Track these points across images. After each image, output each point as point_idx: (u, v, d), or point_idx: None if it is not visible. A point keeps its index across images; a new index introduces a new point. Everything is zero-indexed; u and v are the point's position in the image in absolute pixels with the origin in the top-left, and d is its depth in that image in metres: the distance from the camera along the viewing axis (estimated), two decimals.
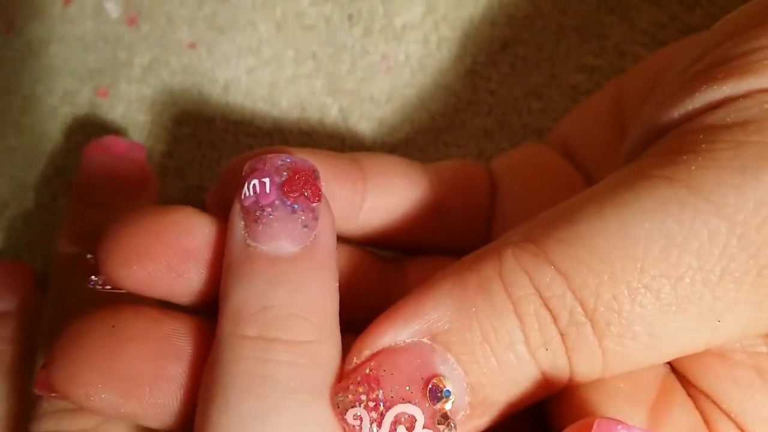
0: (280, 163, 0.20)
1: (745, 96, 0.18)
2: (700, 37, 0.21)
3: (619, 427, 0.17)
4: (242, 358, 0.18)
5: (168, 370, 0.20)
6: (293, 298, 0.19)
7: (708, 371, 0.20)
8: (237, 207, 0.20)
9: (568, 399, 0.20)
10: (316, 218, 0.20)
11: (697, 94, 0.19)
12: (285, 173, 0.20)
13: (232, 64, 0.33)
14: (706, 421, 0.20)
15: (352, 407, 0.18)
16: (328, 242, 0.20)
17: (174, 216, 0.21)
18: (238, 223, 0.20)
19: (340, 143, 0.33)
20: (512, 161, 0.27)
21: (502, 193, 0.26)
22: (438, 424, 0.18)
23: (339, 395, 0.19)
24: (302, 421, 0.18)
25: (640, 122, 0.21)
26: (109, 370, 0.20)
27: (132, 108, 0.33)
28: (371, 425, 0.18)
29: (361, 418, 0.18)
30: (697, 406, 0.20)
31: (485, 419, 0.19)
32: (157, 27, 0.33)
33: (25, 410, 0.28)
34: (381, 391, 0.18)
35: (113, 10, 0.33)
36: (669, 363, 0.21)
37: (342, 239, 0.25)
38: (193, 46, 0.33)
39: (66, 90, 0.33)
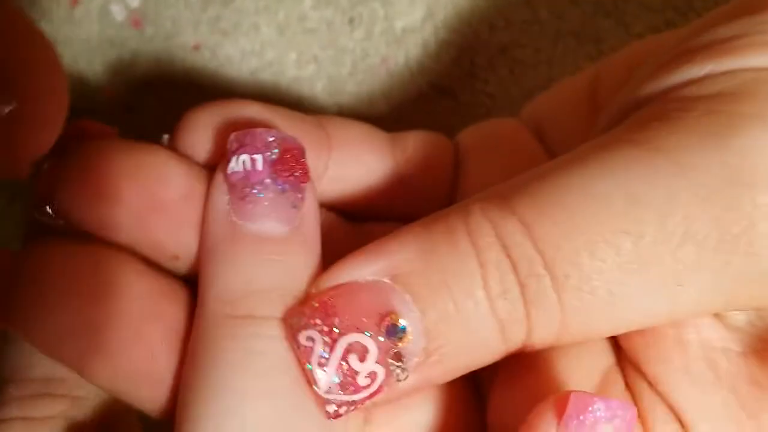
0: (270, 139, 0.20)
1: (725, 73, 0.18)
2: (681, 30, 0.22)
3: (595, 399, 0.17)
4: (234, 336, 0.18)
5: None
6: (282, 278, 0.19)
7: (661, 358, 0.20)
8: (220, 178, 0.20)
9: (513, 382, 0.20)
10: (303, 198, 0.20)
11: (678, 71, 0.19)
12: (275, 150, 0.20)
13: (236, 67, 0.33)
14: (641, 415, 0.20)
15: (305, 329, 0.18)
16: (314, 222, 0.20)
17: (148, 159, 0.20)
18: (221, 197, 0.20)
19: None
20: (478, 137, 0.27)
21: (465, 168, 0.26)
22: (390, 360, 0.18)
23: (294, 318, 0.18)
24: (297, 393, 0.18)
25: (617, 100, 0.21)
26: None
27: None
28: (323, 348, 0.18)
29: (313, 339, 0.18)
30: (635, 401, 0.20)
31: (438, 370, 0.19)
32: (161, 30, 0.34)
33: None
34: (337, 318, 0.18)
35: (118, 12, 0.34)
36: (621, 349, 0.21)
37: None
38: (197, 48, 0.34)
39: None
